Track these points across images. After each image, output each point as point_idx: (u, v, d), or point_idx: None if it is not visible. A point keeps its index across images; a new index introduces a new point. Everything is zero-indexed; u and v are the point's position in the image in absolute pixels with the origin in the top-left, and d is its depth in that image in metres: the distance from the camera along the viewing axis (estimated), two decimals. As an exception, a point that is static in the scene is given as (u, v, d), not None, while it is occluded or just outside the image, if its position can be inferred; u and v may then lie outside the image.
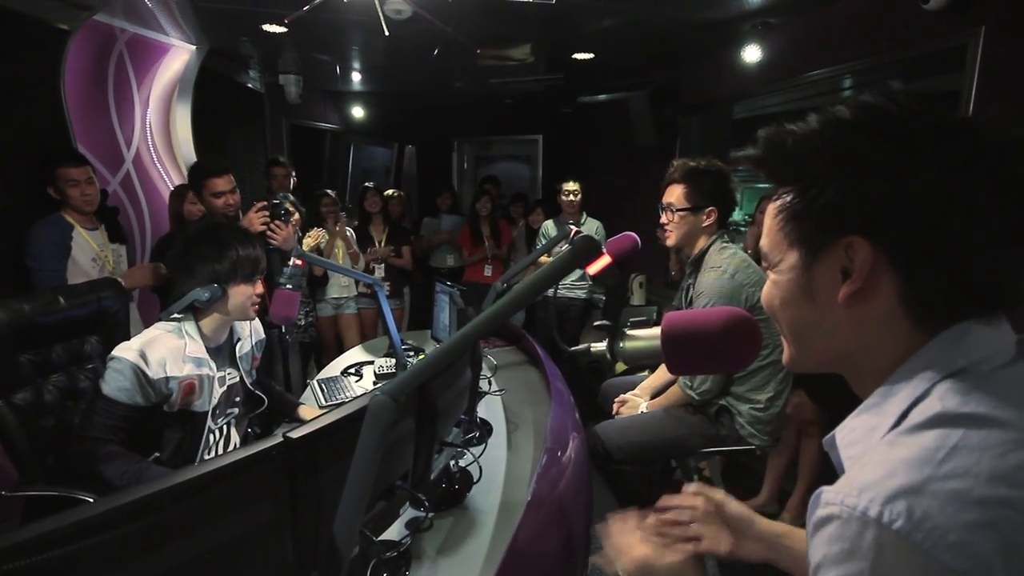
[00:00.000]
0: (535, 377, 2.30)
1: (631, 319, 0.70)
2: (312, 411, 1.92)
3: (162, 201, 3.51)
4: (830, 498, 0.48)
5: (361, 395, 2.03)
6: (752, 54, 3.27)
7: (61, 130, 2.74)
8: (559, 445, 1.47)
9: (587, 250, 0.67)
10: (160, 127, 3.66)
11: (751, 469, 3.05)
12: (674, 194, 1.83)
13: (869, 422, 0.54)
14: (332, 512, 0.77)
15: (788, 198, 0.59)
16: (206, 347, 1.59)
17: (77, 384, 1.79)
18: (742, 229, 4.24)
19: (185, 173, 3.72)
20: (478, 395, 1.72)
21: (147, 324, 1.73)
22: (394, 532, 1.21)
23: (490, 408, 1.91)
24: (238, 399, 1.72)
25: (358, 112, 5.43)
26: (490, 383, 2.06)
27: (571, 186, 3.87)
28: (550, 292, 2.76)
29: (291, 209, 2.38)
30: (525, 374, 2.35)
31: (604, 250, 0.67)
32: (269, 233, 2.34)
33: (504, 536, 1.22)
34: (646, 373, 2.32)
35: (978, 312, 0.52)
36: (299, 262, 1.81)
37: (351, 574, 0.94)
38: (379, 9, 2.03)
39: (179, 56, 3.64)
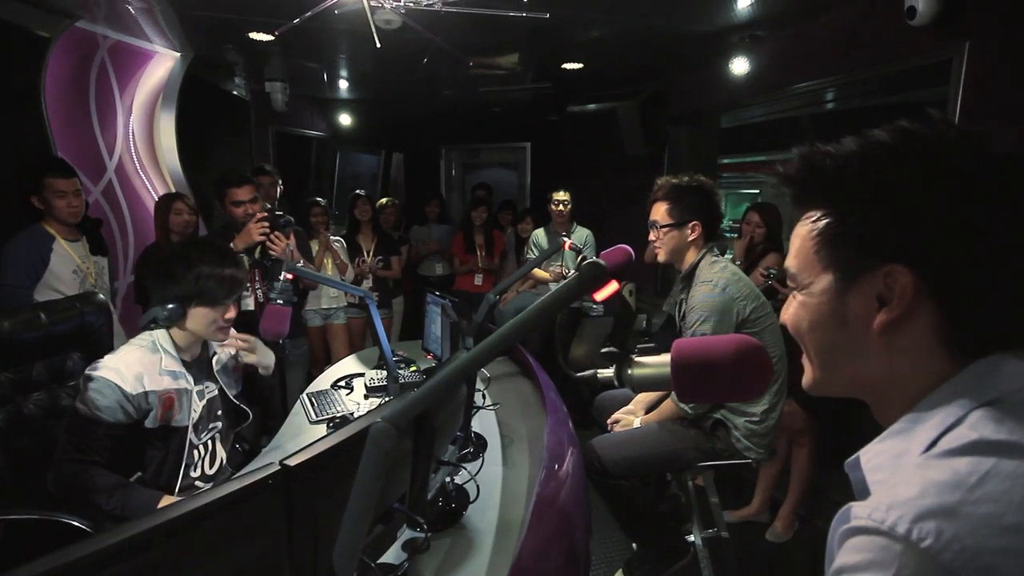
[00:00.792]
0: (528, 388, 2.28)
1: (639, 346, 0.69)
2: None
3: (146, 211, 3.44)
4: (859, 512, 0.48)
5: (355, 414, 2.01)
6: (740, 66, 3.31)
7: (41, 138, 2.68)
8: (556, 459, 1.46)
9: (595, 277, 0.66)
10: (143, 136, 3.60)
11: (742, 478, 3.06)
12: (659, 212, 1.89)
13: (897, 447, 0.54)
14: (330, 539, 0.75)
15: (825, 221, 0.58)
16: (182, 360, 1.57)
17: (59, 402, 1.74)
18: (728, 235, 4.27)
19: (170, 182, 3.66)
20: (473, 410, 1.70)
21: (131, 338, 1.69)
22: (391, 555, 1.18)
23: (484, 422, 1.89)
24: (220, 412, 1.69)
25: (345, 119, 5.40)
26: (484, 397, 2.04)
27: (561, 196, 3.87)
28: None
29: (292, 220, 2.35)
30: (518, 386, 2.33)
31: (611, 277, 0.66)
32: (269, 244, 2.31)
33: (503, 554, 1.21)
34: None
35: (1012, 344, 0.52)
36: (290, 276, 1.78)
37: (349, 602, 0.92)
38: (371, 21, 2.02)
39: (163, 63, 3.59)
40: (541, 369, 2.25)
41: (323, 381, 2.41)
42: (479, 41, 3.18)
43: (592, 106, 4.47)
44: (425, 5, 2.17)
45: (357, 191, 4.21)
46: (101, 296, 1.94)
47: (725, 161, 5.39)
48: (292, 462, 0.81)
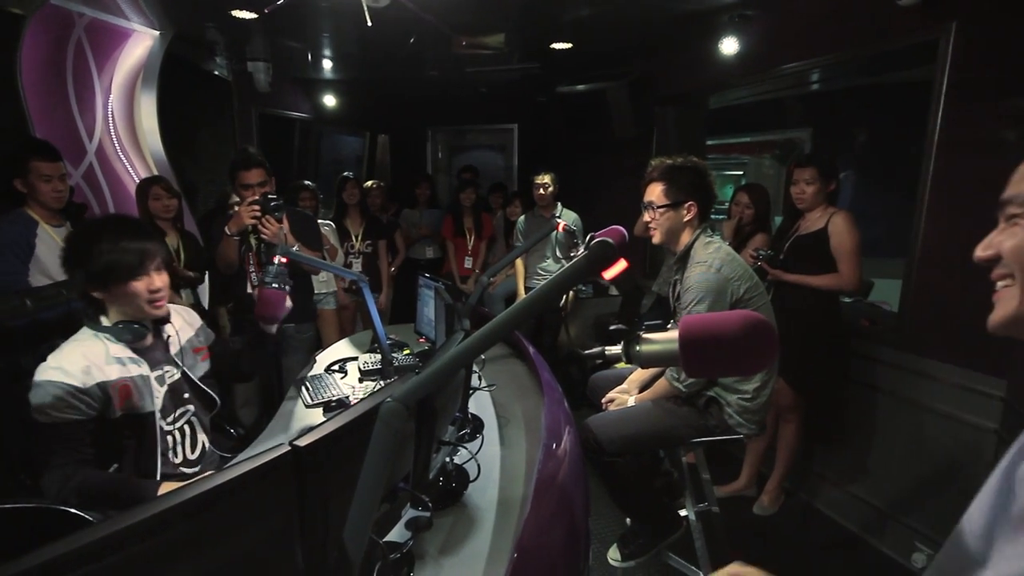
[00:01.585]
0: (522, 370, 2.30)
1: (646, 323, 0.70)
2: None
3: (128, 194, 3.37)
4: None
5: (350, 398, 2.01)
6: (729, 46, 3.30)
7: (19, 120, 2.60)
8: (554, 439, 1.48)
9: (604, 256, 0.67)
10: (124, 117, 3.51)
11: (730, 454, 3.14)
12: (654, 192, 1.89)
13: None
14: (341, 518, 0.76)
15: None
16: (134, 348, 1.51)
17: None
18: (714, 217, 4.30)
19: (152, 165, 3.59)
20: (470, 391, 1.72)
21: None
22: (395, 534, 1.20)
23: (480, 404, 1.91)
24: (187, 396, 1.64)
25: (330, 100, 5.31)
26: (480, 379, 2.06)
27: (543, 179, 3.83)
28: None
29: (283, 203, 2.31)
30: (512, 367, 2.35)
31: (620, 256, 0.66)
32: (260, 228, 2.27)
33: (505, 532, 1.23)
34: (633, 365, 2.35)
35: None
36: (284, 260, 1.76)
37: (358, 579, 0.93)
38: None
39: (141, 42, 3.49)
40: (535, 350, 2.27)
41: (317, 365, 2.41)
42: (467, 20, 3.13)
43: (581, 87, 4.44)
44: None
45: (345, 173, 4.15)
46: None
47: (711, 143, 5.41)
48: (302, 443, 0.81)
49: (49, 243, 2.29)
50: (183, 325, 1.72)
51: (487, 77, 4.69)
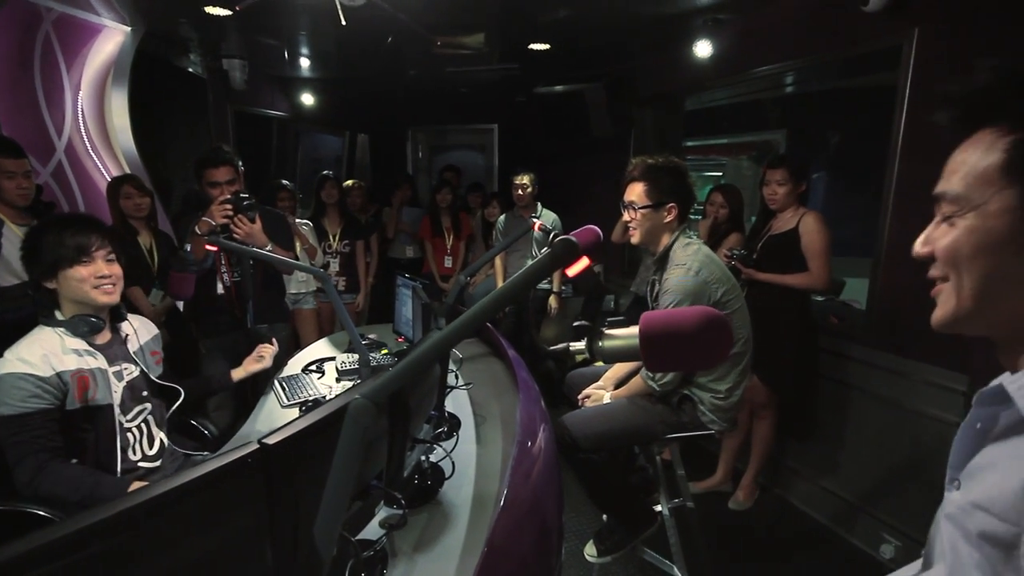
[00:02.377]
0: (499, 368, 2.32)
1: (608, 319, 0.72)
2: (242, 371, 1.97)
3: (99, 193, 3.30)
4: None
5: (327, 398, 2.01)
6: (703, 49, 3.36)
7: (-16, 117, 2.54)
8: (529, 436, 1.50)
9: (566, 253, 0.69)
10: (94, 114, 3.44)
11: (706, 450, 3.19)
12: (635, 192, 1.86)
13: None
14: (311, 515, 0.77)
15: (1014, 136, 0.56)
16: (91, 343, 1.54)
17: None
18: (692, 218, 4.36)
19: (124, 163, 3.52)
20: (446, 389, 1.72)
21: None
22: (369, 531, 1.21)
23: (457, 402, 1.91)
24: (145, 394, 1.66)
25: (308, 99, 5.25)
26: (457, 377, 2.07)
27: (522, 179, 3.84)
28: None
29: (256, 203, 2.29)
30: (489, 365, 2.36)
31: (583, 254, 0.68)
32: (232, 227, 2.24)
33: (478, 529, 1.24)
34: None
35: None
36: (213, 248, 1.94)
37: (330, 577, 0.94)
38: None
39: (112, 38, 3.42)
40: (512, 349, 2.29)
41: (294, 365, 2.39)
42: (445, 20, 3.14)
43: (559, 87, 4.46)
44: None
45: (325, 172, 4.12)
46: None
47: (690, 144, 5.48)
48: (271, 440, 0.82)
49: (15, 242, 2.23)
50: (140, 326, 1.75)
51: (467, 77, 4.69)
